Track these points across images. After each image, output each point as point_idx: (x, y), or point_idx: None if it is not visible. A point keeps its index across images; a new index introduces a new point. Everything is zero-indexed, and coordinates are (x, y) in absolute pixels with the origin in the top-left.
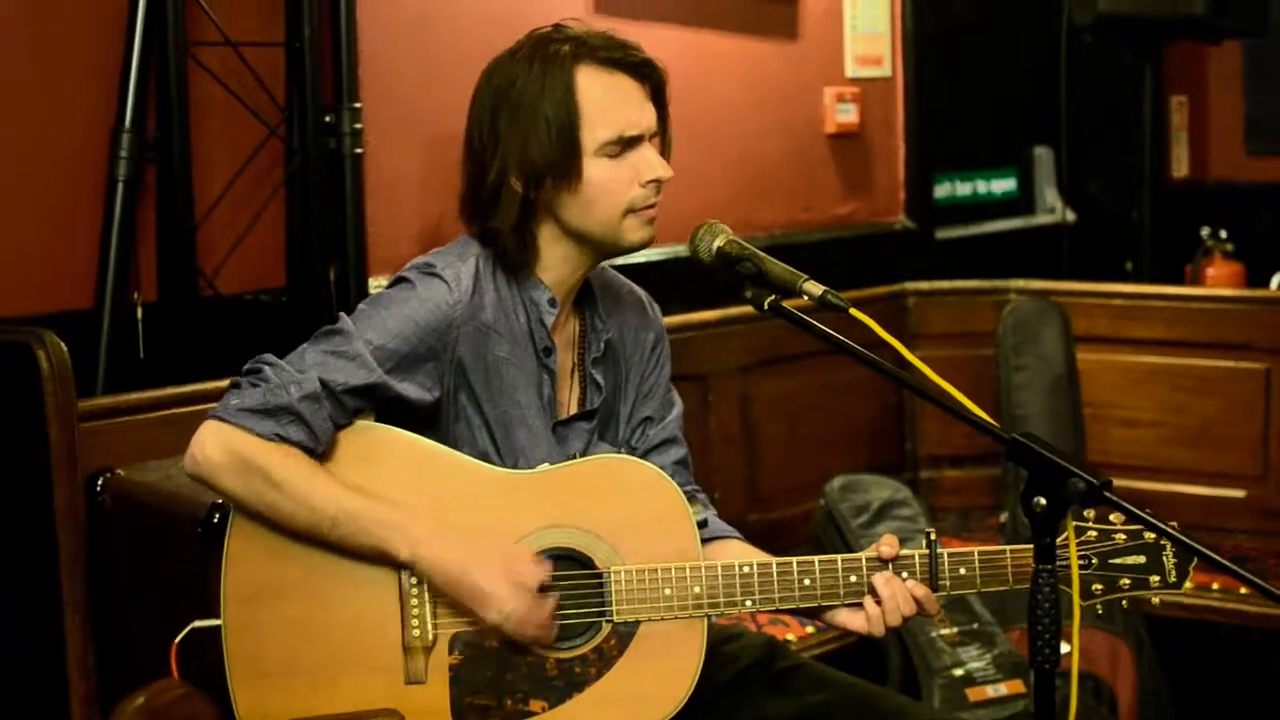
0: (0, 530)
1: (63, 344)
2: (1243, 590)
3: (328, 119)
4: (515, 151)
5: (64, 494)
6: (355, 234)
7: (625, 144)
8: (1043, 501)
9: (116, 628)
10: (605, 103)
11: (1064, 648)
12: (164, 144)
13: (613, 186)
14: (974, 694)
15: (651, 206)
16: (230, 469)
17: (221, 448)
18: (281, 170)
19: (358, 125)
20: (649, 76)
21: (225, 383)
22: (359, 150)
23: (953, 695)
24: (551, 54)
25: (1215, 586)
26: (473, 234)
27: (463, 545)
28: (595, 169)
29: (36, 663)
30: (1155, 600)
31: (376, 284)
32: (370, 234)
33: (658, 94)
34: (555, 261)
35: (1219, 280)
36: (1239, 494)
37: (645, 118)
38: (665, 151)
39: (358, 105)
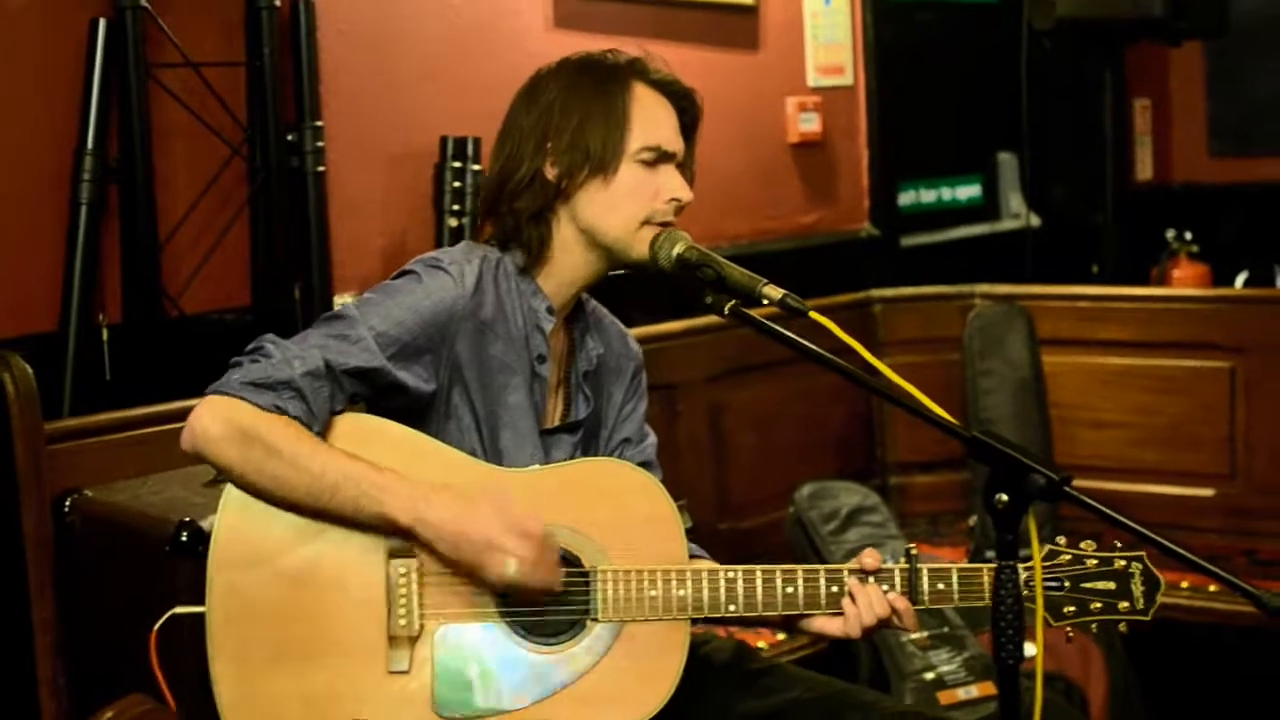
0: None
1: (28, 366)
2: (1213, 589)
3: (290, 138)
4: (562, 139)
5: (32, 515)
6: (319, 252)
7: (660, 157)
8: (1004, 498)
9: (86, 647)
10: (652, 115)
11: (1030, 650)
12: (126, 166)
13: (639, 193)
14: (945, 697)
15: (666, 224)
16: (229, 439)
17: (220, 419)
18: (245, 190)
19: (320, 143)
20: (686, 110)
21: (192, 402)
22: (321, 168)
23: (924, 698)
24: (607, 65)
25: (1185, 585)
26: (484, 239)
27: (462, 502)
28: (629, 172)
29: (6, 683)
30: (1122, 627)
31: (341, 301)
32: (334, 252)
33: (689, 130)
34: (560, 267)
35: (1185, 282)
36: (1208, 493)
37: (678, 142)
38: (688, 183)
39: (319, 124)
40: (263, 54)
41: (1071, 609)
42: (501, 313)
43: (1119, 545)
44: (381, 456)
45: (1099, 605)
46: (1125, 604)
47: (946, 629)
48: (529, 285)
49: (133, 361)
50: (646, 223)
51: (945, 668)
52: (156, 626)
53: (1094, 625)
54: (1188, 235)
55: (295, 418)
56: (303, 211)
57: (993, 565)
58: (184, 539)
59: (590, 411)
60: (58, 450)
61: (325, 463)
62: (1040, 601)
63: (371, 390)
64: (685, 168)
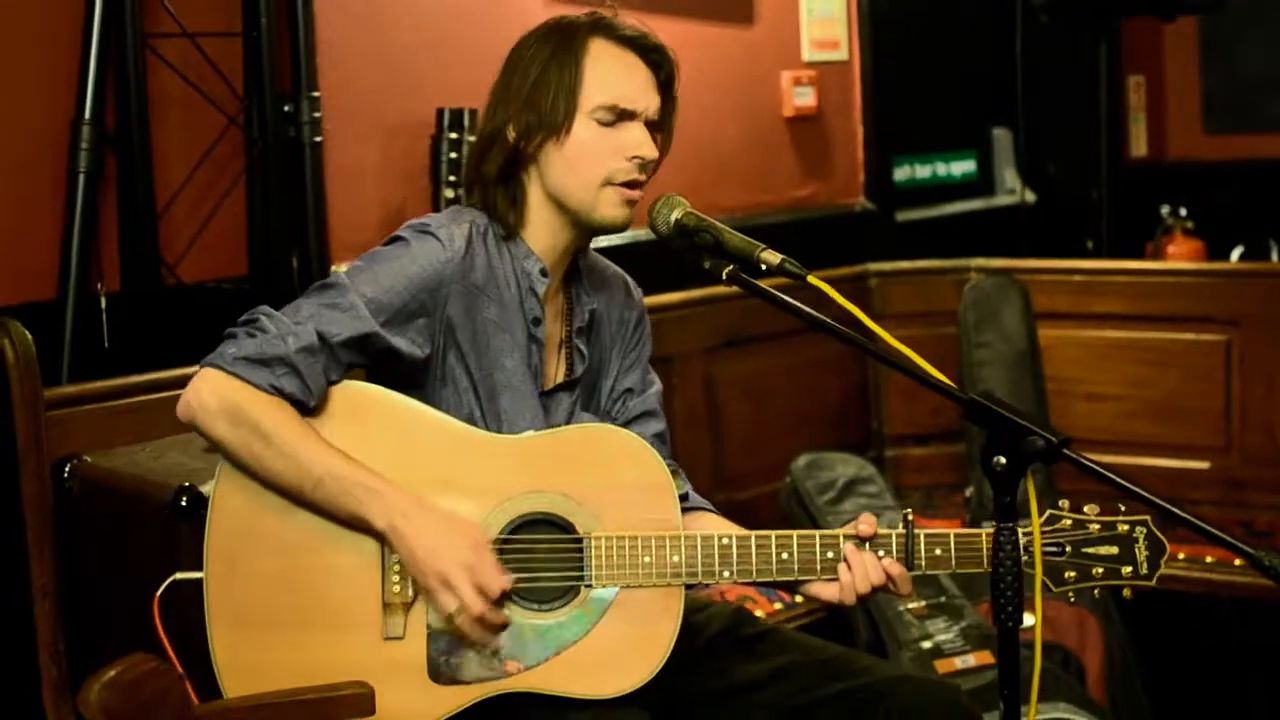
0: None
1: (28, 333)
2: (1209, 559)
3: (286, 108)
4: (517, 101)
5: (31, 481)
6: (316, 222)
7: (620, 115)
8: (1002, 460)
9: (86, 612)
10: (610, 72)
11: (1029, 620)
12: (124, 135)
13: (596, 152)
14: (942, 665)
15: (632, 185)
16: (223, 416)
17: (216, 395)
18: (242, 159)
19: (316, 114)
20: (660, 64)
21: (189, 370)
22: (318, 139)
23: (920, 667)
24: (570, 25)
25: (1181, 556)
26: (470, 202)
27: (438, 530)
28: (584, 130)
29: (7, 649)
30: (1126, 593)
31: (338, 271)
32: (331, 221)
33: (666, 85)
34: (541, 228)
35: (1180, 258)
36: (1203, 465)
37: (646, 99)
38: (664, 144)
39: (316, 94)
40: (260, 24)
41: (1072, 574)
42: (493, 276)
43: (1123, 509)
44: (377, 428)
45: (1100, 571)
46: (1128, 569)
47: (944, 598)
48: (519, 247)
49: (131, 329)
50: (608, 183)
51: (942, 636)
52: (159, 592)
53: (1096, 591)
54: (1182, 211)
55: (290, 395)
56: (300, 182)
57: (991, 530)
58: (184, 504)
59: (585, 367)
60: (57, 416)
61: (313, 456)
62: (1039, 568)
63: (366, 357)
64: (660, 126)
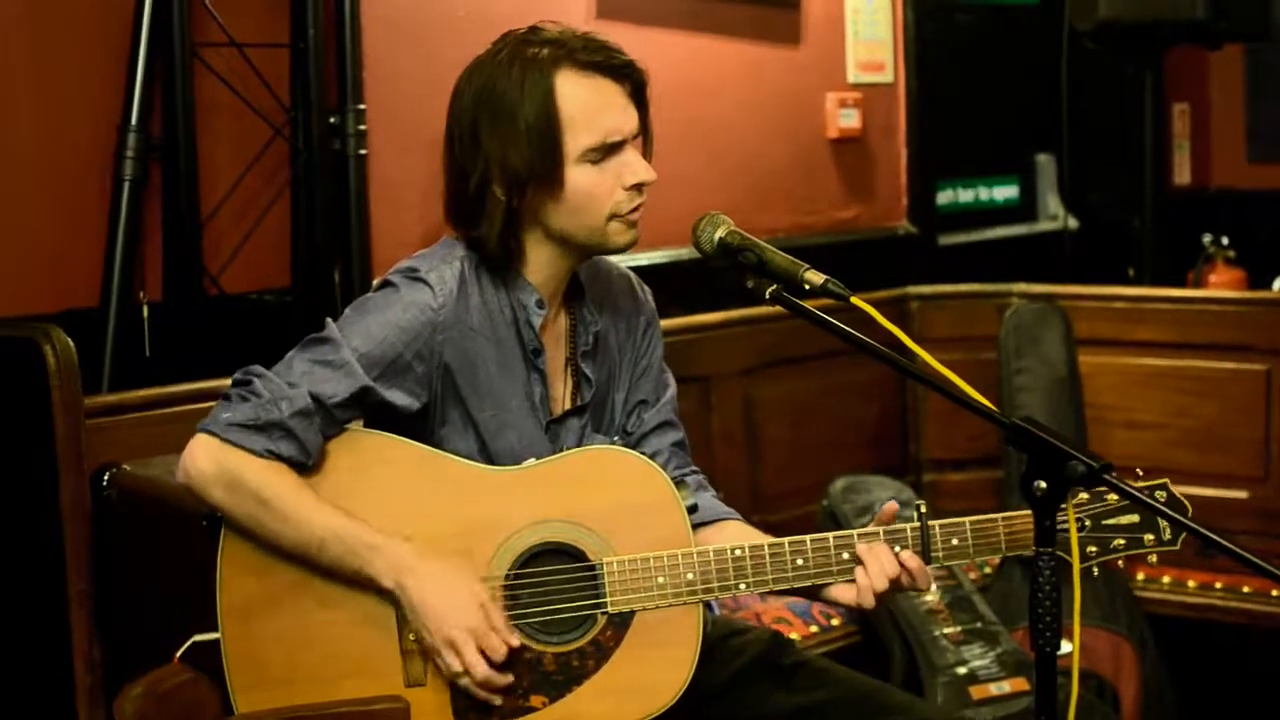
0: (7, 524)
1: (70, 340)
2: (1245, 589)
3: (332, 120)
4: (496, 159)
5: (70, 488)
6: (359, 235)
7: (608, 150)
8: (1043, 485)
9: (121, 620)
10: (587, 108)
11: (1065, 647)
12: (170, 144)
13: (597, 192)
14: (977, 692)
15: (636, 209)
16: (220, 483)
17: (212, 462)
18: (286, 171)
19: (362, 127)
20: (630, 77)
21: (230, 381)
22: (363, 152)
23: (956, 693)
24: (530, 58)
25: (1219, 585)
26: (458, 237)
27: (444, 589)
28: (578, 176)
29: (42, 655)
30: (1152, 559)
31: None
32: (374, 235)
33: (639, 94)
34: (541, 263)
35: (1221, 286)
36: (1241, 495)
37: (628, 122)
38: (647, 152)
39: (362, 107)
40: (307, 36)
41: (1094, 549)
42: (488, 315)
43: (1140, 473)
44: (380, 476)
45: (1122, 542)
46: (1150, 536)
47: (980, 624)
48: (515, 280)
49: (172, 339)
50: (614, 216)
51: (978, 663)
52: (178, 655)
53: (1120, 561)
54: (1224, 240)
55: (288, 458)
56: (344, 195)
57: (1009, 515)
58: (220, 515)
59: (593, 391)
60: (97, 425)
61: (314, 519)
62: (1078, 598)
63: (363, 412)
64: (643, 138)
